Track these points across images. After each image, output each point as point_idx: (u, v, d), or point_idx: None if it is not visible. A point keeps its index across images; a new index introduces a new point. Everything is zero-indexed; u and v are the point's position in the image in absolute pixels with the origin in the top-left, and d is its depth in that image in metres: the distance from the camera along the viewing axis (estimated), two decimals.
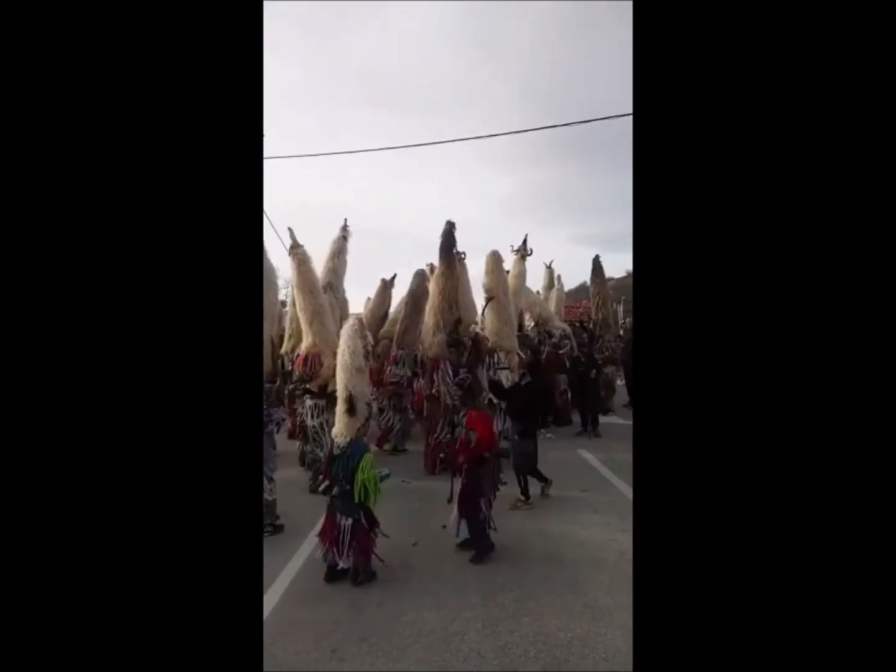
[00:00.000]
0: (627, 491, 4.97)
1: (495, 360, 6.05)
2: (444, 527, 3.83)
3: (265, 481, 4.01)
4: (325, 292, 6.62)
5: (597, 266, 9.45)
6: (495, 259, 6.49)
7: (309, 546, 3.75)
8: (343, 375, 3.42)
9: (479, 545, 3.61)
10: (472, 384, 3.99)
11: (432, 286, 6.11)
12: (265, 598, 3.05)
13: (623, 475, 5.40)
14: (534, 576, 3.35)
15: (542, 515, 4.43)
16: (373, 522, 3.37)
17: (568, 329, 8.50)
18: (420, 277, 7.02)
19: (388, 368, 6.81)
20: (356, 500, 3.25)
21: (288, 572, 3.45)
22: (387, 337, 7.53)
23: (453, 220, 6.05)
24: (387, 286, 8.28)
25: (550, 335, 8.27)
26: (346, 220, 7.16)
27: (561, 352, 8.02)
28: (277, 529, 4.13)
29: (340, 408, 3.41)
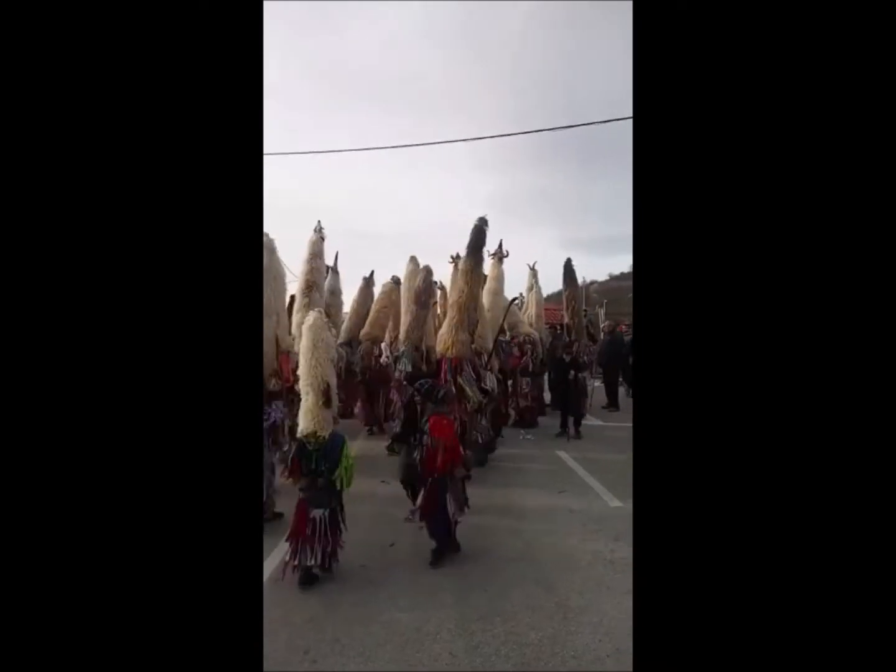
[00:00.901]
0: (603, 492, 5.06)
1: (482, 361, 6.09)
2: (418, 524, 3.80)
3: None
4: (310, 292, 6.57)
5: (568, 270, 9.32)
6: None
7: (283, 545, 3.73)
8: (318, 369, 3.43)
9: (440, 552, 3.63)
10: (432, 389, 3.89)
11: (459, 283, 5.88)
12: None
13: (599, 476, 5.49)
14: (507, 576, 3.40)
15: (517, 515, 4.48)
16: (342, 511, 3.51)
17: (535, 335, 8.50)
18: (425, 272, 6.98)
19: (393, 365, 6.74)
20: (340, 487, 3.39)
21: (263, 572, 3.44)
22: (368, 339, 7.55)
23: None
24: (368, 284, 8.28)
25: (513, 340, 8.26)
26: (319, 221, 7.07)
27: (521, 357, 8.05)
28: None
29: (314, 401, 3.40)
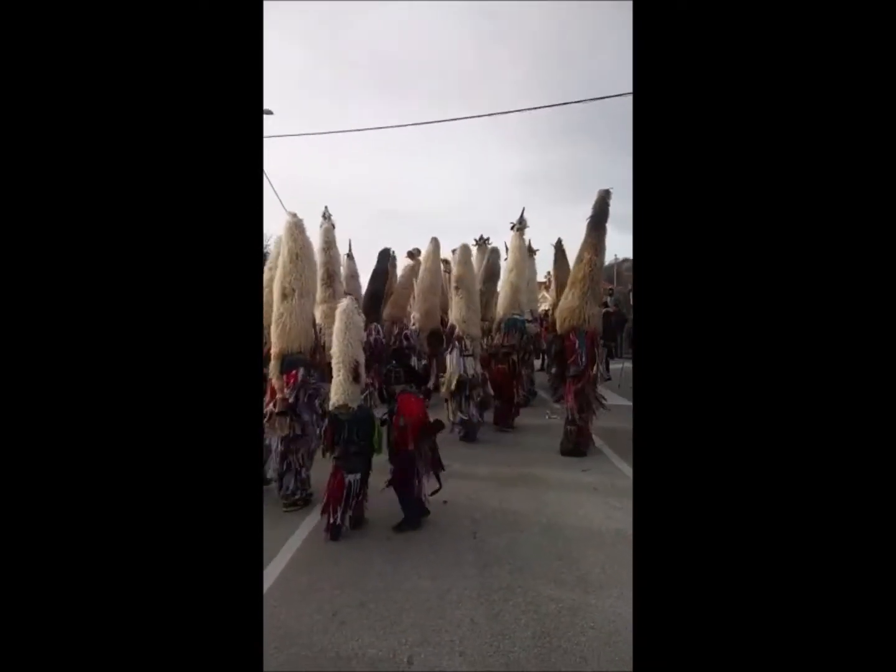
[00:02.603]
0: (628, 471, 5.05)
1: (463, 346, 6.13)
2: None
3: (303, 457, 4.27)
4: (332, 282, 6.64)
5: (558, 250, 9.17)
6: (465, 251, 6.69)
7: (314, 515, 3.91)
8: (350, 349, 3.82)
9: (408, 519, 3.81)
10: (392, 373, 4.10)
11: (586, 256, 5.69)
12: (272, 566, 3.21)
13: (624, 455, 5.48)
14: (530, 549, 3.47)
15: (541, 492, 4.53)
16: (368, 477, 3.88)
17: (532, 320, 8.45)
18: (494, 254, 7.17)
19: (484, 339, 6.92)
20: (374, 452, 3.80)
21: (294, 541, 3.60)
22: (389, 319, 7.74)
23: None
24: (391, 265, 8.42)
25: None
26: (326, 207, 6.76)
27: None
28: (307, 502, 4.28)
29: (345, 376, 3.76)
